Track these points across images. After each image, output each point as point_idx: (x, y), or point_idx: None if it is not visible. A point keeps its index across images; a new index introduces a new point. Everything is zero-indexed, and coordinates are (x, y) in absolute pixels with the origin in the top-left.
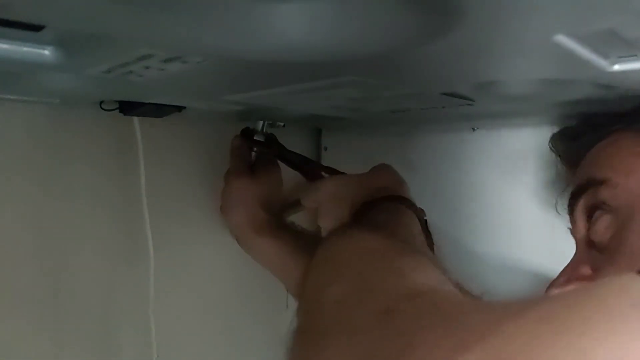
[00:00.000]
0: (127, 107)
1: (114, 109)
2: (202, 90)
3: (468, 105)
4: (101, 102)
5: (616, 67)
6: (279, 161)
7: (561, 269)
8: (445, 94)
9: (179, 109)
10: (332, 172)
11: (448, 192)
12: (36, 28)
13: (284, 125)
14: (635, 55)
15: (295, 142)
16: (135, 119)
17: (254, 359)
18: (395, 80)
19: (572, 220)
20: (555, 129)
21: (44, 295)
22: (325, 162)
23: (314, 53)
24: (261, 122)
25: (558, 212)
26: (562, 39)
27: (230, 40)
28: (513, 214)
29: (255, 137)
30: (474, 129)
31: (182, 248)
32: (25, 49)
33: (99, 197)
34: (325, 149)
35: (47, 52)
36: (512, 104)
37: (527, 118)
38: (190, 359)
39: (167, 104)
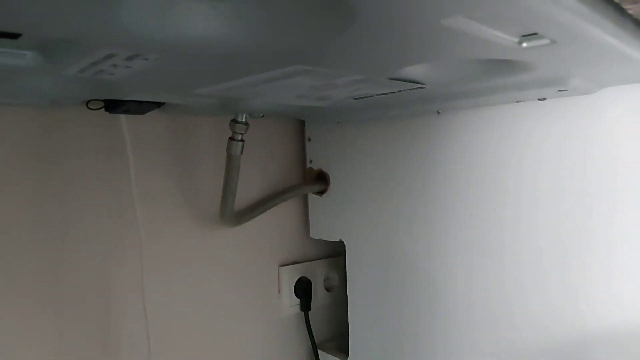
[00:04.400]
0: (111, 106)
1: (99, 108)
2: (171, 85)
3: (421, 89)
4: (88, 103)
5: (524, 45)
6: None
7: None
8: (392, 78)
9: (158, 105)
10: None
11: (418, 175)
12: (15, 36)
13: (262, 116)
14: (536, 34)
15: (280, 134)
16: (122, 117)
17: (248, 342)
18: (337, 66)
19: None
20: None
21: (44, 287)
22: (309, 152)
23: (236, 46)
24: (240, 113)
25: None
26: (448, 22)
27: (162, 33)
28: (482, 195)
29: (236, 127)
30: (438, 112)
31: (172, 238)
32: (7, 53)
33: (91, 192)
34: (309, 139)
35: (26, 56)
36: (462, 86)
37: (487, 97)
38: (184, 344)
39: (146, 100)
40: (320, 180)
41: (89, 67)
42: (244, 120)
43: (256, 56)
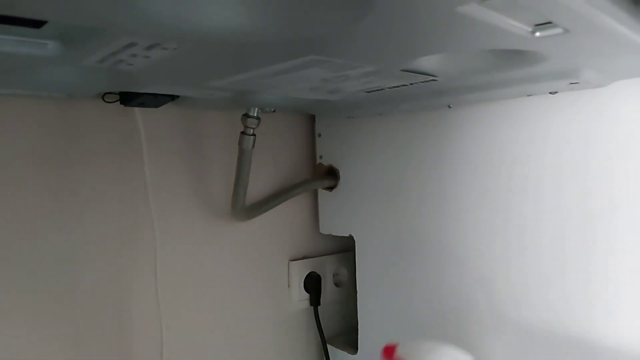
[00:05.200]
0: (127, 99)
1: (115, 101)
2: (187, 77)
3: (433, 82)
4: (104, 96)
5: (538, 34)
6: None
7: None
8: (405, 70)
9: (173, 98)
10: None
11: (428, 170)
12: (38, 25)
13: (274, 111)
14: (550, 23)
15: (290, 130)
16: (137, 110)
17: (257, 336)
18: (350, 57)
19: None
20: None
21: (59, 275)
22: (319, 147)
23: (253, 35)
24: (252, 108)
25: None
26: (463, 9)
27: (183, 22)
28: (494, 190)
29: (248, 122)
30: (449, 106)
31: (185, 231)
32: (29, 43)
33: (106, 184)
34: (320, 135)
35: (48, 46)
36: (474, 78)
37: (498, 91)
38: (195, 335)
39: (161, 93)
40: (330, 175)
41: (108, 57)
42: (255, 114)
43: (272, 46)
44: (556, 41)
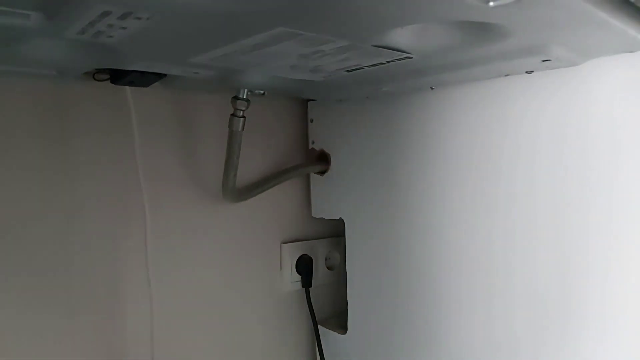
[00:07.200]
0: (116, 77)
1: (105, 79)
2: (166, 51)
3: (408, 59)
4: (94, 75)
5: (491, 4)
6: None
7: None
8: (377, 46)
9: (160, 76)
10: None
11: (414, 153)
12: None
13: (263, 93)
14: None
15: (283, 116)
16: (128, 89)
17: (249, 316)
18: (318, 29)
19: None
20: None
21: (51, 261)
22: (312, 133)
23: (219, 4)
24: (241, 90)
25: None
26: None
27: None
28: (480, 172)
29: (237, 104)
30: (432, 88)
31: (176, 212)
32: (13, 14)
33: (97, 166)
34: (312, 121)
35: (31, 16)
36: (447, 56)
37: (474, 69)
38: (187, 317)
39: (146, 70)
40: (322, 160)
41: (87, 27)
42: (244, 96)
43: (240, 17)
44: (512, 12)
